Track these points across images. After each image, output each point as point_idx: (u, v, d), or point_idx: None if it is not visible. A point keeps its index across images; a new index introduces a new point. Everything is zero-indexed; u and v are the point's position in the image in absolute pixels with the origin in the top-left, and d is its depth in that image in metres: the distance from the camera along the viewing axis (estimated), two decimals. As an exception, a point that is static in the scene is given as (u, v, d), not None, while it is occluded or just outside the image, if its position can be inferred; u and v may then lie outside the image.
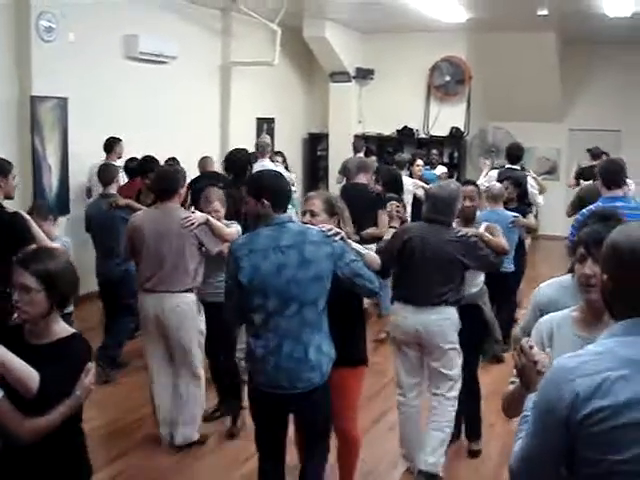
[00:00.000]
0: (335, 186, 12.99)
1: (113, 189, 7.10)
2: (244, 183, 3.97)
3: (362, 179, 8.02)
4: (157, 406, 5.44)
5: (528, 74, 13.50)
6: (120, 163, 8.35)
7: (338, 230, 3.90)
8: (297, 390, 3.72)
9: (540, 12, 11.03)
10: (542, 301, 3.26)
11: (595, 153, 11.75)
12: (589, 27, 12.44)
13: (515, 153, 9.02)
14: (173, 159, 8.95)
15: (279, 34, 11.72)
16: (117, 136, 8.97)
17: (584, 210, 5.57)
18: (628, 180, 9.10)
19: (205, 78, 11.72)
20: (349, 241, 4.04)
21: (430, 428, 4.88)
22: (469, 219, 5.33)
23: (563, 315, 2.79)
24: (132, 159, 8.37)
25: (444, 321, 4.76)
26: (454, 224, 4.99)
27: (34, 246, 4.36)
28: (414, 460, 5.01)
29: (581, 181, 10.12)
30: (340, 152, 13.71)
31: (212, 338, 5.48)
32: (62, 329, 2.95)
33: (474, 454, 5.44)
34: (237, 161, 7.06)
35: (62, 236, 6.09)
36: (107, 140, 8.93)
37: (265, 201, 3.72)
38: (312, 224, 3.95)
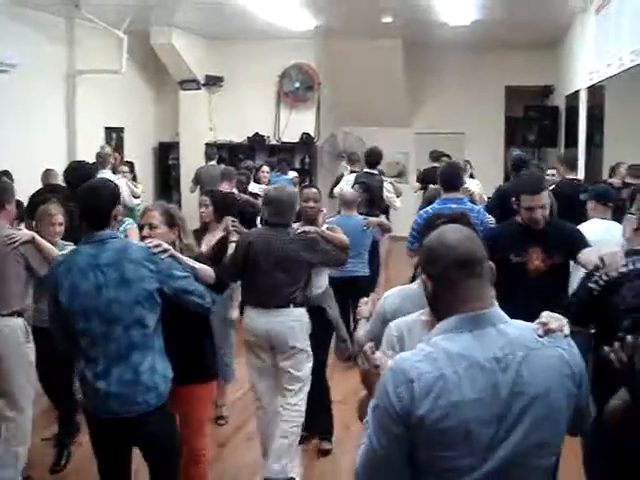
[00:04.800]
0: (188, 195, 12.89)
1: None
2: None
3: (226, 187, 7.98)
4: None
5: (375, 80, 13.84)
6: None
7: (166, 246, 3.72)
8: (132, 414, 3.49)
9: (385, 20, 11.34)
10: (388, 309, 3.27)
11: (435, 156, 12.07)
12: (432, 34, 12.87)
13: (374, 158, 9.04)
14: (5, 172, 8.18)
15: (125, 41, 11.42)
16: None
17: (421, 212, 5.68)
18: (473, 180, 9.48)
19: (49, 87, 11.25)
20: (180, 256, 3.85)
21: (276, 435, 4.88)
22: (312, 220, 5.34)
23: (413, 319, 2.85)
24: None
25: (294, 322, 4.86)
26: (297, 225, 5.07)
27: None
28: None
29: (430, 186, 10.22)
30: (192, 161, 13.57)
31: (47, 364, 5.07)
32: None
33: (325, 453, 5.55)
34: (77, 174, 6.44)
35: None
36: None
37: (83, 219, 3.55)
38: (151, 237, 3.83)
